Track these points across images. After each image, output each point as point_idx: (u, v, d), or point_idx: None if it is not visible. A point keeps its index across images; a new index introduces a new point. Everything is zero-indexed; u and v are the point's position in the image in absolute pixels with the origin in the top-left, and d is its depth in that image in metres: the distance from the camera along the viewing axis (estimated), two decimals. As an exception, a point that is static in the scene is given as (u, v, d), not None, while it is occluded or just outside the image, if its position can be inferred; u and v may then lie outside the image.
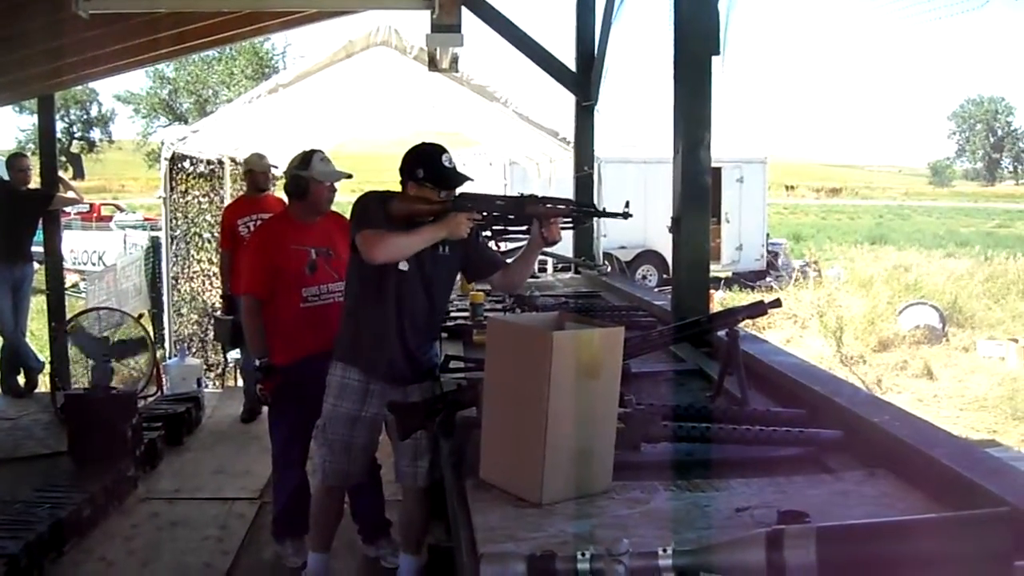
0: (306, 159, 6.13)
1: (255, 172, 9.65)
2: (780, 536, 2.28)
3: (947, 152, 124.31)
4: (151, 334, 11.58)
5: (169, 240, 12.98)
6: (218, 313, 10.68)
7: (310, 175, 6.09)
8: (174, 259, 13.09)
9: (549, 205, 5.08)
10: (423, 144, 5.17)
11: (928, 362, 17.70)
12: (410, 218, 4.90)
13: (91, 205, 37.04)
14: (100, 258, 24.39)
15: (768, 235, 29.06)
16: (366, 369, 5.20)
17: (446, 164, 5.03)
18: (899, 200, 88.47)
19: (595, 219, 9.85)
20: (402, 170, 5.09)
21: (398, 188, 5.10)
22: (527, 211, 5.04)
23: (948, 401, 15.61)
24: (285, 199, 6.85)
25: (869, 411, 3.67)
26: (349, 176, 6.30)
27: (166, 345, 12.58)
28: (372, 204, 4.95)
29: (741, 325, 4.43)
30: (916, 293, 22.79)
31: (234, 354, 11.87)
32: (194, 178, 13.63)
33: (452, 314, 6.87)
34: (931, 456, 3.10)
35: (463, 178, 5.10)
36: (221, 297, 10.25)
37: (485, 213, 5.01)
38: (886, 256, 32.50)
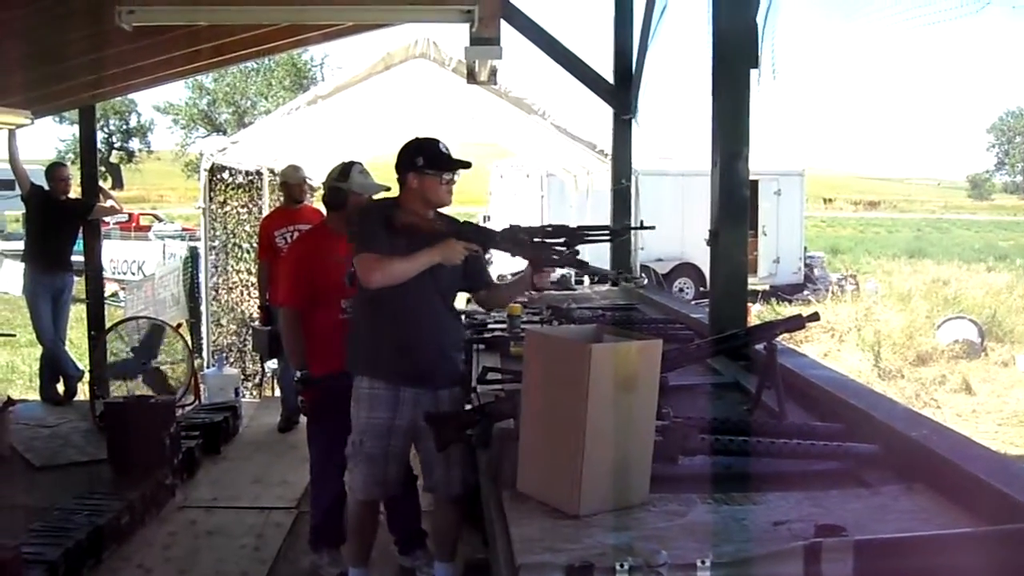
0: (345, 171, 6.18)
1: (289, 184, 9.73)
2: (818, 549, 2.29)
3: (986, 165, 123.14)
4: (189, 344, 11.64)
5: (208, 250, 13.04)
6: (256, 324, 10.74)
7: (348, 187, 6.13)
8: (213, 269, 13.15)
9: (545, 252, 5.21)
10: (416, 137, 5.31)
11: (967, 377, 17.55)
12: (412, 231, 5.03)
13: (130, 215, 37.26)
14: (139, 268, 24.55)
15: (806, 248, 28.93)
16: (392, 377, 5.25)
17: (443, 150, 5.19)
18: (938, 213, 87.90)
19: (631, 232, 9.97)
20: (400, 166, 5.24)
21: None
22: (522, 253, 5.22)
23: (987, 416, 15.47)
24: (323, 210, 6.90)
25: (906, 425, 3.66)
26: (387, 188, 6.32)
27: (204, 355, 12.64)
28: (372, 220, 5.12)
29: (779, 339, 4.43)
30: (955, 307, 22.63)
31: (271, 364, 11.92)
32: (233, 189, 13.69)
33: (489, 326, 6.89)
34: (969, 471, 3.09)
35: (460, 163, 5.23)
36: (259, 308, 10.33)
37: (481, 247, 5.18)
38: (924, 270, 32.34)
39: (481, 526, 4.57)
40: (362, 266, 5.02)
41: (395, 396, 5.24)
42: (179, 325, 11.94)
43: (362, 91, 12.28)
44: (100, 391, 10.46)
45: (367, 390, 5.27)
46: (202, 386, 10.91)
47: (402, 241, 5.02)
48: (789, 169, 28.16)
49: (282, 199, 10.34)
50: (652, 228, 9.00)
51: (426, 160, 5.14)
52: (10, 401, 9.64)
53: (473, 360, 5.96)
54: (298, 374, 6.31)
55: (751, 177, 5.84)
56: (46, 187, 11.05)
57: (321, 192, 6.94)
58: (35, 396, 11.70)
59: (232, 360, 12.71)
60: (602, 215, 11.24)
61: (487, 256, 5.52)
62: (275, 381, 12.01)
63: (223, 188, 13.45)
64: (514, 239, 5.22)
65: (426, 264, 5.00)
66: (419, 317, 5.20)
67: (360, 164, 6.26)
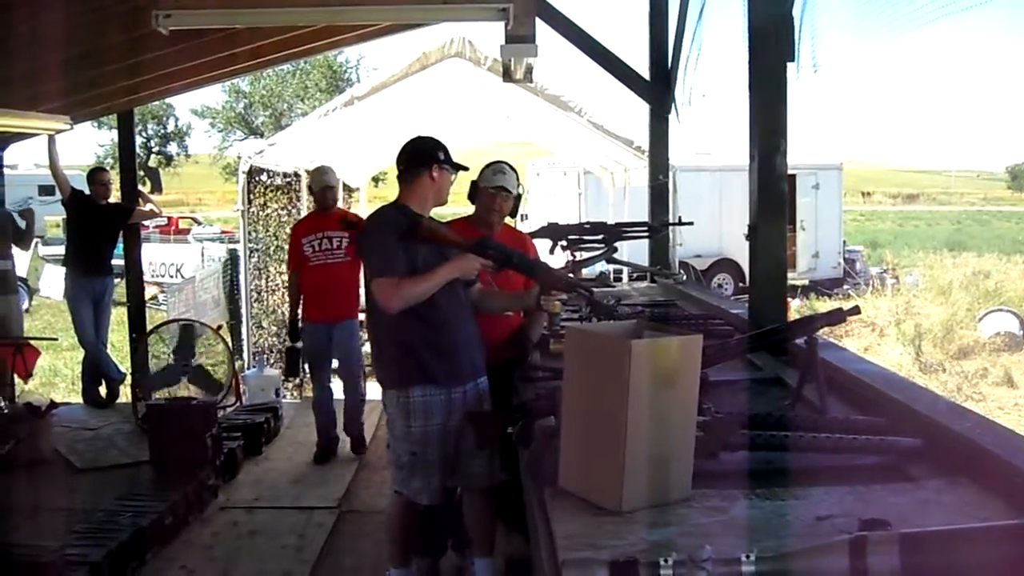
0: (484, 168, 6.20)
1: (313, 189, 9.52)
2: (864, 542, 2.28)
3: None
4: (230, 345, 11.68)
5: (247, 253, 13.08)
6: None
7: (478, 182, 6.12)
8: (253, 272, 13.18)
9: (557, 276, 5.48)
10: (428, 136, 5.62)
11: (1009, 369, 17.40)
12: (432, 241, 5.16)
13: (169, 218, 37.48)
14: (178, 271, 24.66)
15: (845, 242, 28.79)
16: (443, 380, 5.29)
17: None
18: (977, 205, 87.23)
19: (669, 229, 9.94)
20: (416, 160, 5.40)
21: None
22: (532, 274, 5.43)
23: (1029, 409, 15.34)
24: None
25: (949, 419, 3.64)
26: (506, 190, 6.24)
27: (244, 356, 12.68)
28: (386, 236, 5.17)
29: (819, 333, 4.40)
30: (996, 300, 22.44)
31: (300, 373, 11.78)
32: (271, 191, 13.73)
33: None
34: (1014, 464, 3.07)
35: (463, 166, 5.50)
36: (289, 322, 9.79)
37: (496, 264, 5.29)
38: (965, 262, 32.02)
39: (522, 524, 4.57)
40: (380, 293, 5.13)
41: (448, 399, 5.29)
42: (219, 327, 11.98)
43: (398, 91, 12.31)
44: (142, 393, 10.50)
45: (420, 398, 5.28)
46: (243, 387, 10.93)
47: (422, 250, 5.11)
48: (827, 163, 28.07)
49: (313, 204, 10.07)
50: (690, 224, 9.01)
51: (445, 156, 5.36)
52: (53, 404, 9.71)
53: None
54: None
55: (789, 171, 5.81)
56: (86, 192, 11.12)
57: (357, 194, 6.91)
58: (77, 399, 11.77)
59: (272, 361, 12.72)
60: (640, 212, 11.23)
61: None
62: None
63: (262, 191, 13.50)
64: (527, 260, 5.43)
65: (444, 280, 5.14)
66: (452, 314, 5.29)
67: (503, 164, 6.26)
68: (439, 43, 11.59)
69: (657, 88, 9.77)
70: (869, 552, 2.25)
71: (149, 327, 11.67)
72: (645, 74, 9.89)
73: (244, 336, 13.03)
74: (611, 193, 16.80)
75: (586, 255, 7.95)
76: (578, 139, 15.00)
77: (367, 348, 7.65)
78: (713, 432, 3.40)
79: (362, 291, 6.81)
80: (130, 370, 11.47)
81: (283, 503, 8.13)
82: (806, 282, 26.54)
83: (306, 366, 9.89)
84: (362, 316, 7.74)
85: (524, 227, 14.98)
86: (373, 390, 8.88)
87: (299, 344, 9.33)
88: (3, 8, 7.54)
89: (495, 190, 6.12)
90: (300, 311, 9.33)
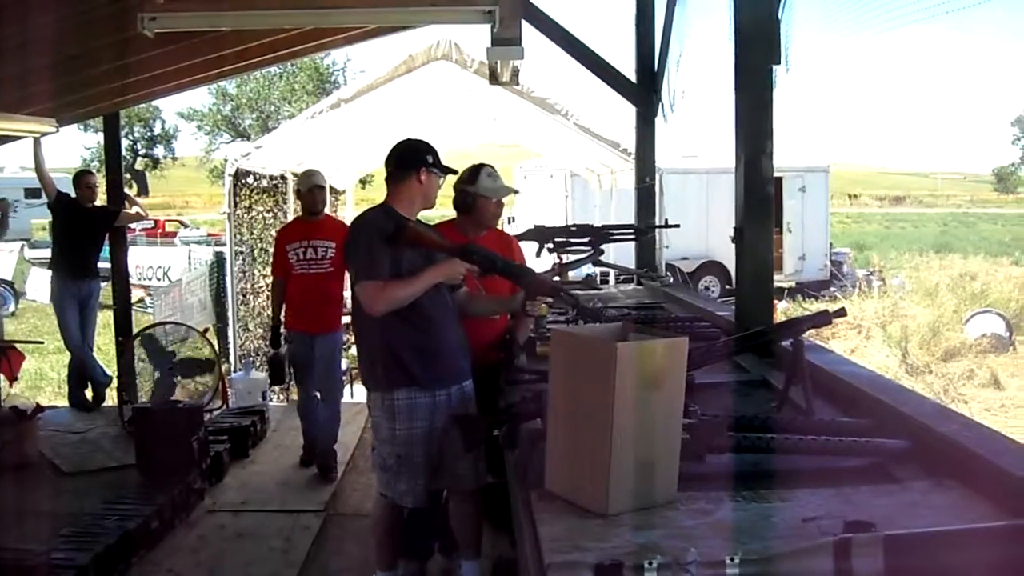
0: (473, 174, 6.10)
1: (301, 192, 9.16)
2: (848, 544, 2.28)
3: (1012, 158, 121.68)
4: (216, 348, 11.65)
5: (233, 255, 13.05)
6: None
7: (476, 191, 6.07)
8: (240, 274, 13.17)
9: (543, 282, 5.54)
10: (416, 138, 5.59)
11: (995, 371, 17.44)
12: (417, 245, 5.18)
13: (156, 221, 37.44)
14: (165, 273, 24.66)
15: (831, 244, 28.82)
16: (428, 383, 5.27)
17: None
18: (964, 207, 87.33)
19: (656, 231, 9.94)
20: (404, 162, 5.39)
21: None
22: (517, 280, 5.49)
23: (1016, 410, 15.36)
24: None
25: (936, 421, 3.64)
26: (516, 191, 6.30)
27: (231, 359, 12.65)
28: (372, 240, 5.15)
29: (806, 335, 4.41)
30: (982, 301, 22.50)
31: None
32: (257, 193, 13.73)
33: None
34: (1000, 466, 3.08)
35: (451, 169, 5.55)
36: (271, 328, 9.45)
37: (481, 269, 5.34)
38: (951, 264, 32.08)
39: (509, 526, 4.57)
40: (365, 295, 5.12)
41: (433, 401, 5.27)
42: (206, 330, 11.94)
43: (385, 94, 12.32)
44: (128, 396, 10.47)
45: (405, 401, 5.26)
46: (229, 390, 10.90)
47: (407, 253, 5.11)
48: (814, 165, 28.09)
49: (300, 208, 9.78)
50: (677, 226, 9.00)
51: (434, 159, 5.33)
52: (39, 408, 9.68)
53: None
54: None
55: (775, 174, 5.81)
56: (72, 195, 11.08)
57: (344, 197, 6.86)
58: (64, 402, 11.73)
59: (259, 364, 12.69)
60: (626, 214, 11.23)
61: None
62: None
63: (248, 193, 13.50)
64: (513, 266, 5.52)
65: (429, 284, 5.13)
66: (438, 317, 5.27)
67: (490, 167, 6.17)
68: (425, 46, 11.60)
69: (643, 90, 9.77)
70: (854, 554, 2.26)
71: (135, 330, 11.62)
72: (631, 76, 9.89)
73: (231, 339, 13.02)
74: (598, 195, 16.84)
75: (573, 257, 7.95)
76: (565, 141, 15.01)
77: (353, 351, 7.63)
78: (699, 434, 3.40)
79: (347, 296, 6.79)
80: (116, 373, 11.43)
81: (270, 506, 8.11)
82: (792, 284, 26.54)
83: (291, 370, 9.75)
84: (346, 319, 7.69)
85: (511, 229, 14.97)
86: (359, 393, 8.86)
87: (282, 350, 9.11)
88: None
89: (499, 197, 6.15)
90: (283, 317, 9.11)
